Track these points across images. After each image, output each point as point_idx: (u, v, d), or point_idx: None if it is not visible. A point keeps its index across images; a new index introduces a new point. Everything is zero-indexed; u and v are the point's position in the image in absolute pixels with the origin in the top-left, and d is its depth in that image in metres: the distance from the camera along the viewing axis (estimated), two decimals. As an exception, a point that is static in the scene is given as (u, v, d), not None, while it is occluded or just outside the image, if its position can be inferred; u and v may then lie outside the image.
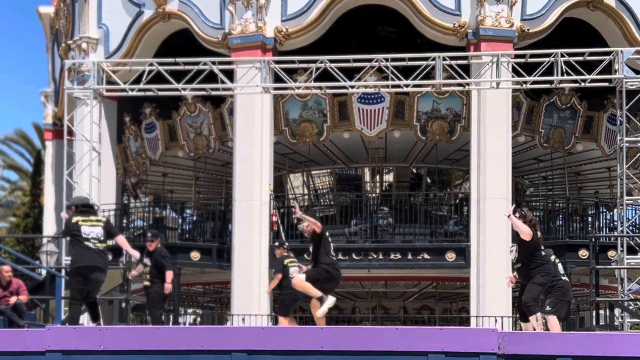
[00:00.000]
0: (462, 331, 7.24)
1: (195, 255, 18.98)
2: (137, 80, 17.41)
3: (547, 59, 16.19)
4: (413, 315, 23.77)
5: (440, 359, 6.83)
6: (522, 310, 9.47)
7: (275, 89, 17.76)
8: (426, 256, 18.28)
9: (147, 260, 12.10)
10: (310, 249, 9.23)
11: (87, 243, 9.72)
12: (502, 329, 16.01)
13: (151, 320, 12.28)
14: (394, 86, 17.03)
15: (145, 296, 12.32)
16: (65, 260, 17.25)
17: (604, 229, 20.34)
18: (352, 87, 17.17)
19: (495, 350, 6.86)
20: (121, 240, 10.17)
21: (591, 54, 16.35)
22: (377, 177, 22.80)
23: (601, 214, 20.53)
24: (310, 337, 7.06)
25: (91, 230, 9.82)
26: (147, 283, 12.13)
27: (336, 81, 16.76)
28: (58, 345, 7.23)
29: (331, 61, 16.67)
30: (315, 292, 8.91)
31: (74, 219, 9.88)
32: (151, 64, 17.18)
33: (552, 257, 10.27)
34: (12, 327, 12.06)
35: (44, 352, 7.24)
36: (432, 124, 20.00)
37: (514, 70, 16.77)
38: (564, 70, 16.11)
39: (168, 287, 11.85)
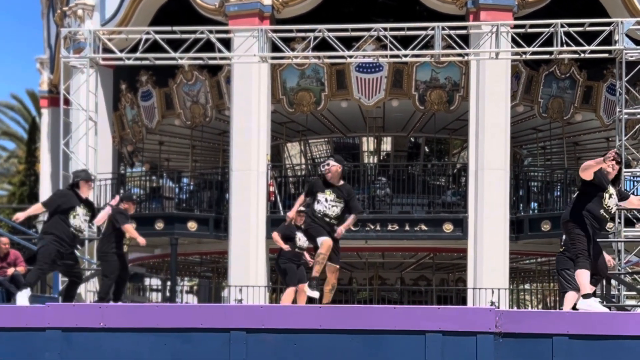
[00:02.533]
0: (460, 310, 7.27)
1: (192, 225, 18.97)
2: (134, 49, 17.27)
3: (546, 29, 16.06)
4: (410, 286, 23.87)
5: (437, 338, 6.85)
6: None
7: (273, 58, 17.62)
8: (424, 227, 18.29)
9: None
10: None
11: None
12: (499, 301, 16.13)
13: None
14: (392, 56, 16.91)
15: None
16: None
17: (602, 199, 20.32)
18: (351, 56, 17.04)
19: (492, 329, 6.89)
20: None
21: (591, 24, 16.21)
22: (375, 147, 22.74)
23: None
24: (309, 316, 7.08)
25: None
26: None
27: (334, 50, 16.62)
28: (58, 322, 7.25)
29: (329, 30, 16.53)
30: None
31: None
32: (148, 32, 17.02)
33: None
34: (10, 298, 12.11)
35: (44, 328, 7.26)
36: (431, 93, 19.90)
37: (513, 40, 16.65)
38: (564, 40, 15.99)
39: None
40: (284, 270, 11.83)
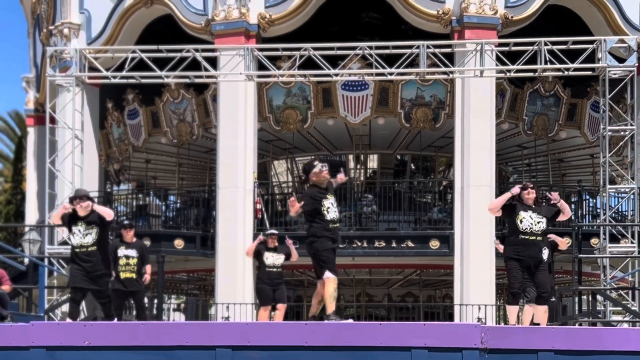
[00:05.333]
0: (445, 326, 7.29)
1: (179, 243, 18.94)
2: (120, 67, 17.28)
3: (531, 47, 16.21)
4: (397, 302, 23.87)
5: (423, 354, 6.86)
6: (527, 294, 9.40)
7: (259, 76, 17.69)
8: (410, 244, 18.34)
9: (130, 252, 11.60)
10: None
11: None
12: (486, 317, 16.14)
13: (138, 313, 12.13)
14: (378, 74, 17.00)
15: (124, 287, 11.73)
16: (49, 248, 17.17)
17: (587, 216, 20.47)
18: (336, 75, 17.14)
19: (477, 345, 6.91)
20: None
21: (575, 42, 16.38)
22: (361, 164, 22.81)
23: (584, 202, 20.65)
24: (295, 333, 7.07)
25: None
26: (131, 275, 11.38)
27: (320, 68, 16.71)
28: (42, 341, 7.20)
29: (315, 49, 16.61)
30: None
31: None
32: (134, 51, 17.05)
33: None
34: (-4, 316, 12.00)
35: (28, 347, 7.21)
36: (416, 111, 20.03)
37: (498, 58, 16.78)
38: (548, 58, 16.14)
39: (148, 278, 11.75)
40: (257, 290, 12.59)
